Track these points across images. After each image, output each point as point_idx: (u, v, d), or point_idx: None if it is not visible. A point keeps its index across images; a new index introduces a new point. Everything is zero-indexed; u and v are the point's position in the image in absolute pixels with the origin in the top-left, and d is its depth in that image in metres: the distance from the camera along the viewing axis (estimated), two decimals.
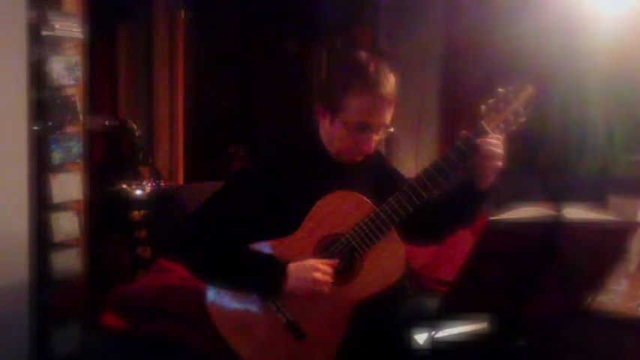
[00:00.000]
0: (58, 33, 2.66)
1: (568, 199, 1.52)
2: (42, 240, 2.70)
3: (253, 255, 1.83)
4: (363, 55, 1.86)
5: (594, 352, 2.07)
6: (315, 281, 1.76)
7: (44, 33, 2.63)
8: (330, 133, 1.88)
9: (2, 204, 2.55)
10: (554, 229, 1.47)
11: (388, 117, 1.84)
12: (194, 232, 1.84)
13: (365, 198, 1.83)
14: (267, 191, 1.84)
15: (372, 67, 1.80)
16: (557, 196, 1.59)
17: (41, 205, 2.69)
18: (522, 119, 1.82)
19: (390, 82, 1.81)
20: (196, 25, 4.24)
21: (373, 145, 1.87)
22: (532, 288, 1.57)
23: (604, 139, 3.31)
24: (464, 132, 1.81)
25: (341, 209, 1.82)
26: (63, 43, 2.71)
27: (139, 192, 3.54)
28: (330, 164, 1.91)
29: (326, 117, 1.88)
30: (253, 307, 1.84)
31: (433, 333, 1.64)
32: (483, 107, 1.81)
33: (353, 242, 1.81)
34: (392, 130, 1.88)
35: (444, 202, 1.91)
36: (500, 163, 1.79)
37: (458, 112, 3.88)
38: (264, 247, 1.84)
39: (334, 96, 1.83)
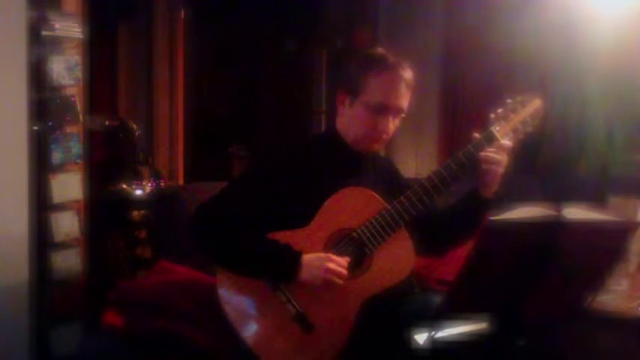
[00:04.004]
0: (58, 33, 2.66)
1: (568, 199, 1.52)
2: (42, 240, 2.69)
3: (269, 242, 1.85)
4: (382, 49, 1.96)
5: (594, 352, 2.07)
6: (329, 271, 1.79)
7: (44, 33, 2.63)
8: (350, 117, 1.92)
9: (2, 204, 2.54)
10: (554, 229, 1.47)
11: (406, 102, 1.90)
12: (212, 216, 1.87)
13: (376, 195, 1.87)
14: (282, 182, 1.88)
15: (391, 54, 1.90)
16: (557, 196, 1.59)
17: (41, 205, 2.68)
18: (530, 129, 1.88)
19: (408, 69, 1.90)
20: (196, 25, 4.24)
21: (391, 130, 1.91)
22: (532, 288, 1.57)
23: (604, 139, 3.31)
24: (475, 135, 1.85)
25: (353, 205, 1.86)
26: (63, 43, 2.71)
27: (139, 192, 3.54)
28: (346, 154, 1.94)
29: (345, 102, 1.93)
30: (263, 297, 1.86)
31: (433, 333, 1.64)
32: (492, 115, 1.87)
33: (363, 238, 1.84)
34: (404, 115, 1.92)
35: (450, 212, 1.96)
36: (500, 170, 1.84)
37: (458, 112, 3.88)
38: (277, 237, 1.85)
39: (355, 79, 1.89)
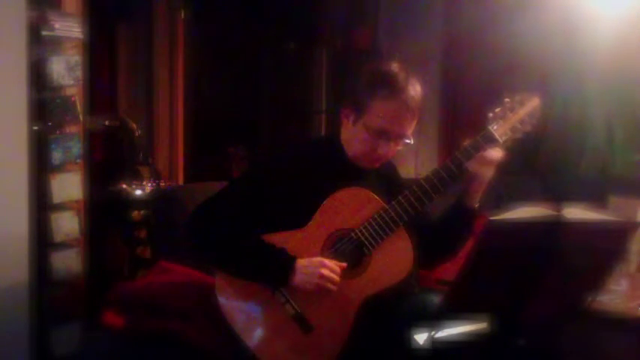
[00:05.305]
0: (58, 33, 2.66)
1: (568, 199, 1.52)
2: (42, 240, 2.69)
3: (264, 246, 1.85)
4: (395, 64, 1.90)
5: (594, 352, 2.07)
6: (322, 277, 1.79)
7: (44, 33, 2.63)
8: (352, 134, 1.91)
9: (2, 204, 2.54)
10: (554, 229, 1.47)
11: (410, 128, 1.88)
12: (208, 217, 1.88)
13: (375, 195, 1.87)
14: (281, 185, 1.88)
15: (401, 75, 1.85)
16: (557, 196, 1.59)
17: (41, 205, 2.68)
18: (528, 128, 1.87)
19: (416, 92, 1.86)
20: (196, 25, 4.24)
21: (391, 153, 1.91)
22: (532, 288, 1.57)
23: (604, 139, 3.31)
24: (468, 140, 1.85)
25: (352, 205, 1.86)
26: (63, 43, 2.70)
27: (139, 192, 3.54)
28: (346, 166, 1.94)
29: (350, 118, 1.91)
30: (262, 298, 1.86)
31: (433, 333, 1.64)
32: (490, 115, 1.87)
33: (362, 238, 1.84)
34: (411, 141, 1.89)
35: (437, 225, 1.96)
36: (488, 177, 1.85)
37: (458, 113, 3.88)
38: (275, 238, 1.86)
39: (360, 98, 1.87)
